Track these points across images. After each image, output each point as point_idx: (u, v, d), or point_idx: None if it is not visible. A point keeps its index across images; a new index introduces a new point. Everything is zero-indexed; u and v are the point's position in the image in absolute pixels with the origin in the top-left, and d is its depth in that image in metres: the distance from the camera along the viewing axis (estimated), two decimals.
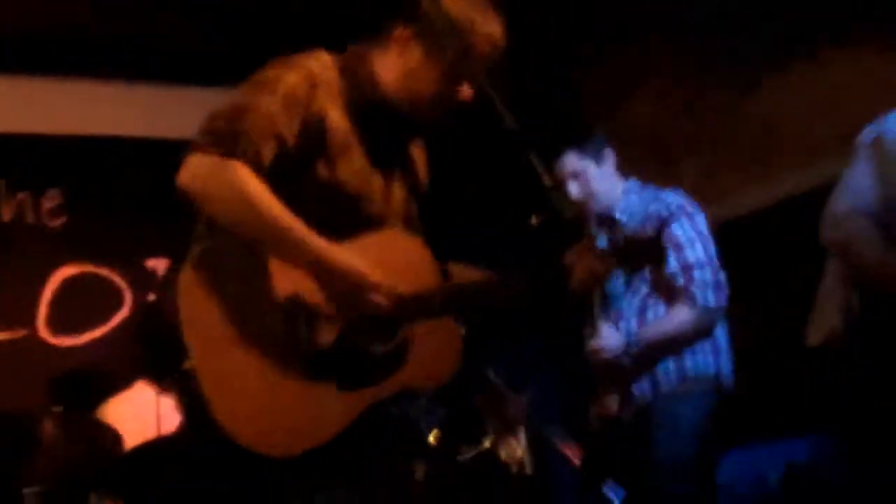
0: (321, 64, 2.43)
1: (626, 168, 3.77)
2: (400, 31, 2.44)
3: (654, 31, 5.27)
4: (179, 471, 3.48)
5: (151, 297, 4.97)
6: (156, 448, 3.73)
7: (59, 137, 4.97)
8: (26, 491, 3.63)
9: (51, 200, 4.96)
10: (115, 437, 3.91)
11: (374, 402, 2.38)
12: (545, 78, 5.55)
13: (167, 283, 2.48)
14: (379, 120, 2.51)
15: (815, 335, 3.23)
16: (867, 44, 4.24)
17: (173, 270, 2.34)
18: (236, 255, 2.33)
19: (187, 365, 2.25)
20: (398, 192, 2.58)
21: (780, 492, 3.87)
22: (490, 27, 2.45)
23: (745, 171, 4.98)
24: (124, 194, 5.00)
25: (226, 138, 2.27)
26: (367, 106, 2.49)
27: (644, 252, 2.77)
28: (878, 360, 3.02)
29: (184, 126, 4.08)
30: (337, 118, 2.43)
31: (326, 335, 2.35)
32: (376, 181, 2.52)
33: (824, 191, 3.26)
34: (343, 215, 2.42)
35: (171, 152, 2.69)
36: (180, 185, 2.26)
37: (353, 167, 2.45)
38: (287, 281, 2.32)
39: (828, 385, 3.31)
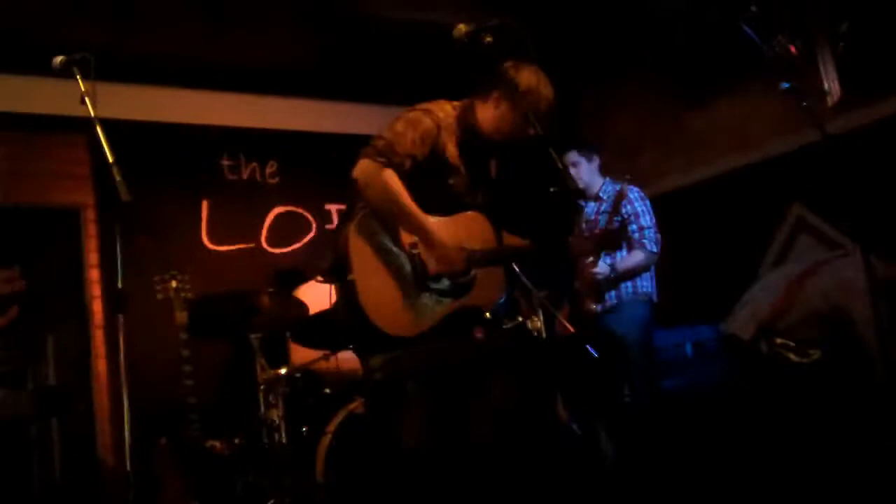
0: (445, 113, 3.07)
1: (606, 162, 4.82)
2: (496, 93, 3.09)
3: (626, 74, 6.23)
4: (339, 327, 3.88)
5: (329, 227, 5.84)
6: (325, 315, 4.28)
7: (276, 131, 5.96)
8: (252, 336, 4.39)
9: (271, 167, 5.96)
10: (303, 307, 4.55)
11: (455, 309, 3.04)
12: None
13: (342, 227, 3.06)
14: (476, 147, 3.14)
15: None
16: (754, 86, 5.00)
17: (345, 220, 3.07)
18: (382, 220, 2.91)
19: (350, 277, 2.83)
20: (480, 193, 3.25)
21: (692, 356, 5.03)
22: (547, 91, 3.10)
23: (680, 161, 5.67)
24: (314, 164, 5.94)
25: (385, 154, 2.88)
26: (470, 140, 3.11)
27: (612, 238, 3.69)
28: None
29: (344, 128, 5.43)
30: (451, 149, 3.06)
31: (429, 269, 2.96)
32: (469, 186, 3.17)
33: (726, 176, 4.72)
34: (451, 203, 3.12)
35: (339, 143, 3.78)
36: (354, 177, 2.86)
37: (459, 179, 3.12)
38: (409, 239, 2.96)
39: None
